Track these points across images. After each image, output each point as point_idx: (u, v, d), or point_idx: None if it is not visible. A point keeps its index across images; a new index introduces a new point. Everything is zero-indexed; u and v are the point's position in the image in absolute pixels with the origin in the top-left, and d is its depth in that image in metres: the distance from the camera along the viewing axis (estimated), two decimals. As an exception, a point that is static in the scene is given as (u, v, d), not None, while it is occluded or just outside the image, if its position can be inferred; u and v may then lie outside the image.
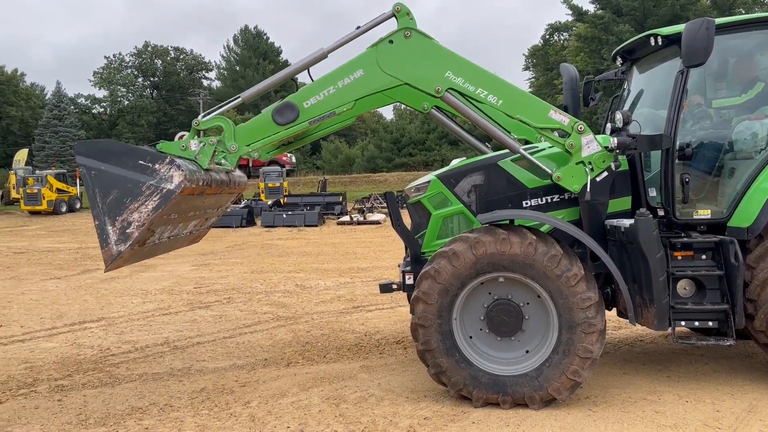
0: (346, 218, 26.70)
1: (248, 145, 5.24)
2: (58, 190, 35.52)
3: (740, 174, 5.26)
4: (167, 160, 4.61)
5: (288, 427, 4.69)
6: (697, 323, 5.10)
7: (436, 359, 4.94)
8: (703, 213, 5.29)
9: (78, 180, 36.68)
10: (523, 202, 5.56)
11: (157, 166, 4.59)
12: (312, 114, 5.21)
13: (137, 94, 74.67)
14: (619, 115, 5.23)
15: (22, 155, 44.16)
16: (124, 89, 74.99)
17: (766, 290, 4.98)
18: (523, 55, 68.64)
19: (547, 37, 64.37)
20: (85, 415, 5.09)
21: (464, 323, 5.04)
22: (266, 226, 25.51)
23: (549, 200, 5.53)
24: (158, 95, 75.38)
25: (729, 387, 5.32)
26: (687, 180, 5.23)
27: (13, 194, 38.26)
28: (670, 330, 5.01)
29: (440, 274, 4.88)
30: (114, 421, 4.94)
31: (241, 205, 27.70)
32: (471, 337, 5.04)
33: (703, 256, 5.08)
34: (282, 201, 30.58)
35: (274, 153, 5.75)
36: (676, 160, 5.25)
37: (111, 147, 4.67)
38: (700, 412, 4.83)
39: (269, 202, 29.89)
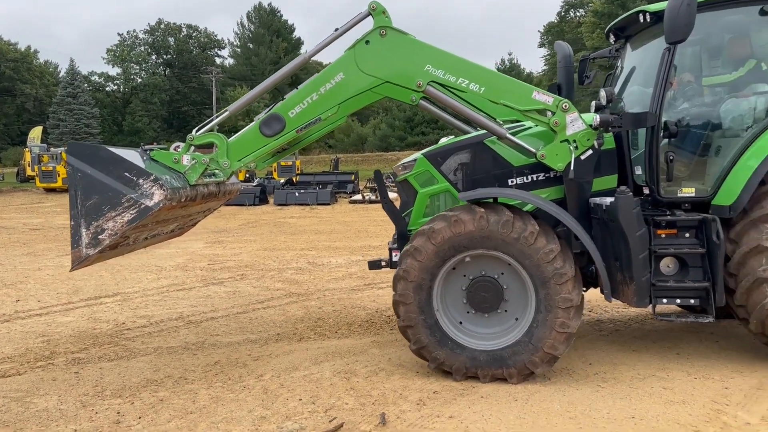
0: (358, 197, 26.81)
1: (239, 160, 5.33)
2: (73, 168, 35.67)
3: (726, 152, 5.20)
4: (152, 177, 4.65)
5: (300, 400, 4.78)
6: (678, 300, 5.07)
7: (432, 353, 5.01)
8: (687, 191, 5.27)
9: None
10: (509, 181, 5.57)
11: (141, 180, 4.64)
12: (298, 122, 5.27)
13: (150, 72, 74.75)
14: (602, 93, 5.21)
15: (36, 133, 44.49)
16: (137, 67, 75.12)
17: (747, 264, 4.95)
18: (539, 31, 67.87)
19: (563, 13, 63.54)
20: (101, 386, 5.21)
21: (449, 311, 5.10)
22: (279, 205, 25.68)
23: (535, 178, 5.54)
24: (171, 73, 75.38)
25: (738, 365, 5.33)
26: (671, 158, 5.18)
27: (29, 172, 38.55)
28: (650, 308, 5.03)
29: (420, 252, 4.94)
30: (130, 392, 5.04)
31: (254, 184, 27.83)
32: (461, 323, 5.10)
33: (686, 234, 5.06)
34: (294, 179, 30.71)
35: (271, 161, 5.87)
36: (662, 138, 5.21)
37: (101, 153, 4.72)
38: (708, 389, 4.85)
39: (282, 181, 30.02)
